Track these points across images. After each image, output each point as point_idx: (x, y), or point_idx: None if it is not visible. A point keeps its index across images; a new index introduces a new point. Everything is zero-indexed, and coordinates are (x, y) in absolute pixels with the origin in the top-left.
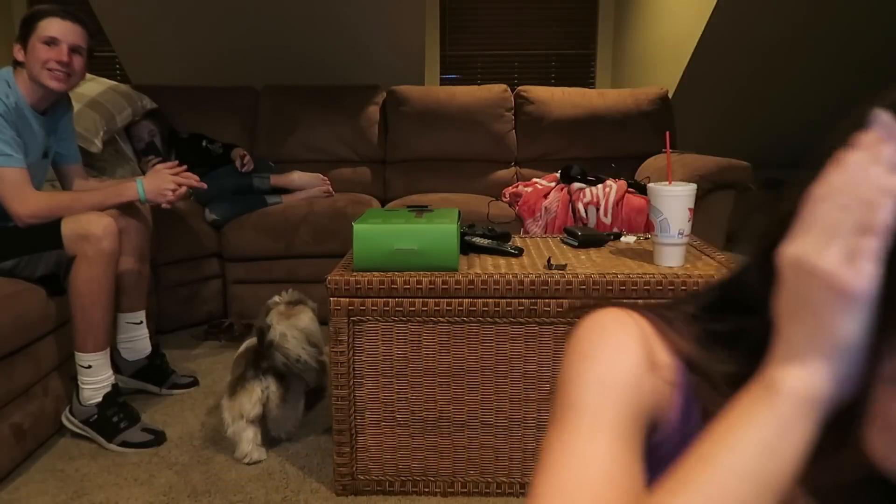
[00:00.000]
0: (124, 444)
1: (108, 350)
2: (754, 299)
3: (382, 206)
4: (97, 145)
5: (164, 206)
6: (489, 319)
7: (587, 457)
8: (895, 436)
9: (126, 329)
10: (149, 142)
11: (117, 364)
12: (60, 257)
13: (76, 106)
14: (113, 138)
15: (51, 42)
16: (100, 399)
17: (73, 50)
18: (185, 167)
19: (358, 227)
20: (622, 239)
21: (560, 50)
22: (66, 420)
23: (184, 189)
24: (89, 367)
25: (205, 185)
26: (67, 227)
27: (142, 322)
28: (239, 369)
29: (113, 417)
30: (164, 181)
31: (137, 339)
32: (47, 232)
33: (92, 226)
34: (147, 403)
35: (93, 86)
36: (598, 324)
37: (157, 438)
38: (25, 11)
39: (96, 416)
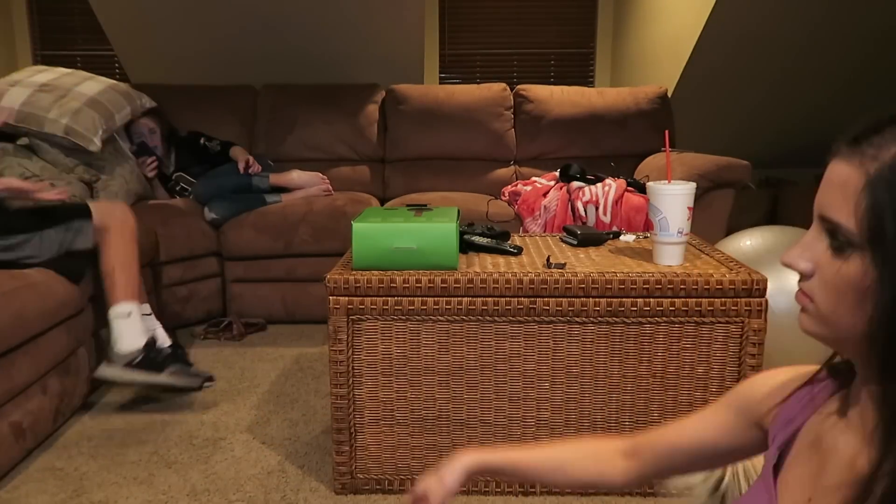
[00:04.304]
0: (174, 375)
1: (141, 307)
2: None
3: (382, 204)
4: (96, 144)
5: None
6: (488, 318)
7: None
8: None
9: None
10: (139, 143)
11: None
12: (63, 242)
13: (75, 105)
14: (112, 137)
15: None
16: (142, 344)
17: None
18: None
19: (357, 226)
20: (621, 238)
21: (559, 49)
22: (104, 371)
23: None
24: (129, 314)
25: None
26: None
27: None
28: None
29: (158, 358)
30: None
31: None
32: (78, 208)
33: (117, 210)
34: (148, 400)
35: (92, 84)
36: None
37: (209, 378)
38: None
39: (141, 357)
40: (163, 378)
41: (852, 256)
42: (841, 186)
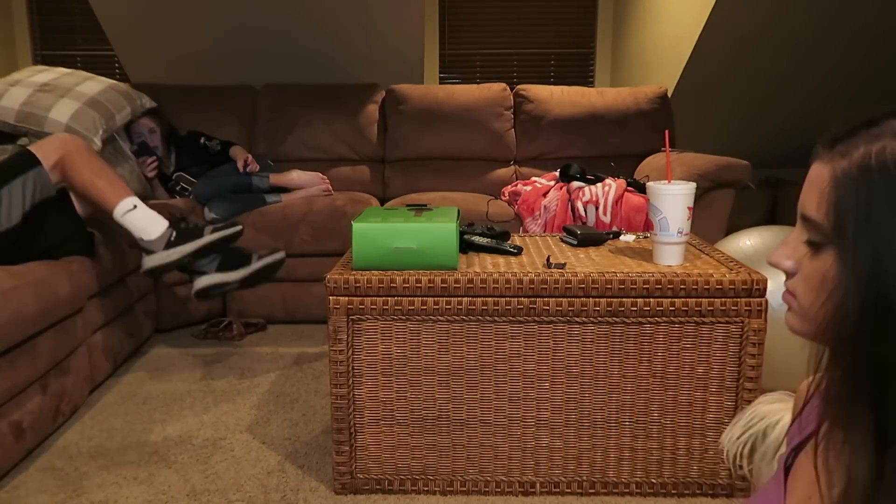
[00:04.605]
0: (216, 230)
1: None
2: None
3: (382, 204)
4: (96, 144)
5: None
6: (488, 318)
7: None
8: None
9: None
10: (139, 142)
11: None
12: (26, 196)
13: (76, 105)
14: (112, 137)
15: None
16: (167, 222)
17: None
18: None
19: (357, 226)
20: (621, 238)
21: (559, 49)
22: (150, 262)
23: None
24: (134, 206)
25: None
26: (46, 162)
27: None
28: None
29: (190, 225)
30: None
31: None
32: (21, 156)
33: (56, 140)
34: (147, 400)
35: (92, 84)
36: None
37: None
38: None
39: (175, 233)
40: (207, 238)
41: (825, 251)
42: (815, 185)
